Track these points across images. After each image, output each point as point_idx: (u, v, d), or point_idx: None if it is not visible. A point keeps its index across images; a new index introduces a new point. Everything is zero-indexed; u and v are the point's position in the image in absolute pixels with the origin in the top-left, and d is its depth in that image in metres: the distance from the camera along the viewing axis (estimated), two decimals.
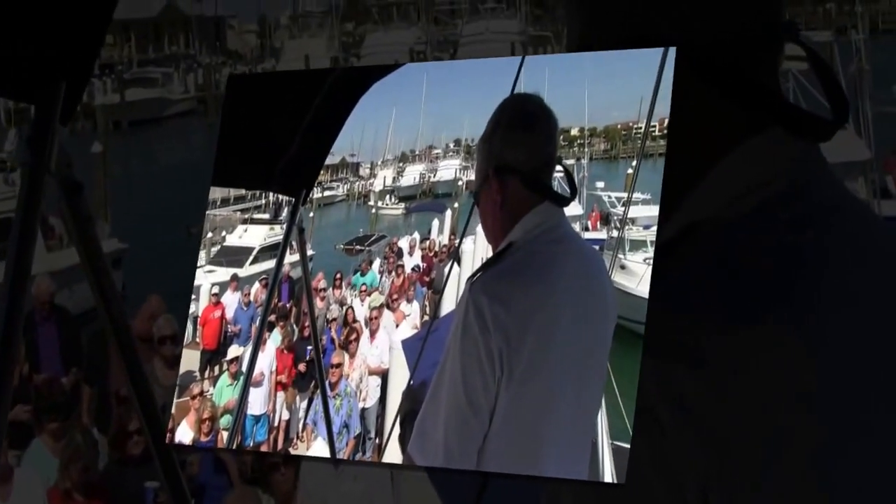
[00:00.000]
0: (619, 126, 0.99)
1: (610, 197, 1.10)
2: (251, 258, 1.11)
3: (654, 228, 1.05)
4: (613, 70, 0.94)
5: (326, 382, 1.04)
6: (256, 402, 1.04)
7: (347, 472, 5.28)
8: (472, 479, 0.87)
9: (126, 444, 5.91)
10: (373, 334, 1.04)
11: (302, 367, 1.04)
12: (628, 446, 0.79)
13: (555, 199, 0.88)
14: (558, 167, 0.91)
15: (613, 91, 0.96)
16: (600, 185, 1.08)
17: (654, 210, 1.00)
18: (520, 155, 0.89)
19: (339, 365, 1.04)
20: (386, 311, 1.06)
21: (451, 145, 1.10)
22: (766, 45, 0.89)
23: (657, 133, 0.93)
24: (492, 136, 0.92)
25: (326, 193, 1.08)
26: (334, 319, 1.06)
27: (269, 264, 1.11)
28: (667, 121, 0.90)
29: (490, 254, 1.06)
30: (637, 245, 1.07)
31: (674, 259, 0.84)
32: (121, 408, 6.25)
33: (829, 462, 0.73)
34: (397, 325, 1.05)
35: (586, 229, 1.13)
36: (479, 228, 1.20)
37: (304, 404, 1.04)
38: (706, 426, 0.78)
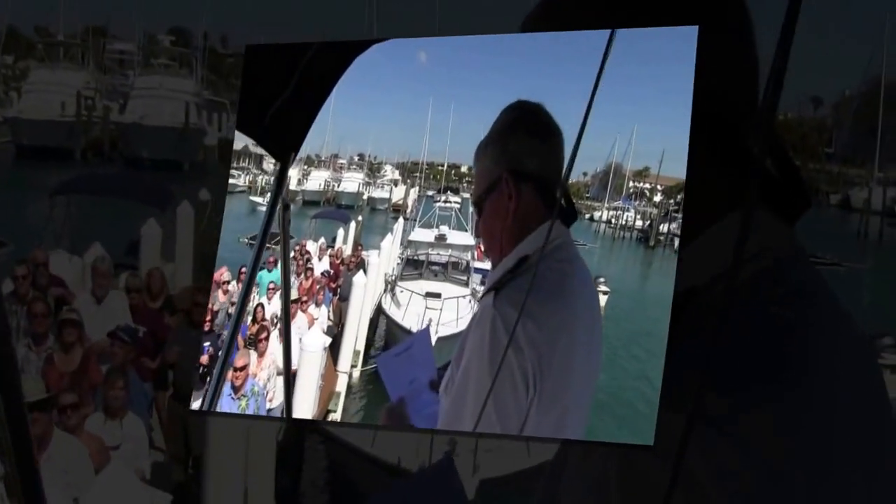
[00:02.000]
0: None
1: None
2: None
3: None
4: None
5: (229, 385, 0.88)
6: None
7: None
8: None
9: None
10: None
11: (204, 359, 0.88)
12: None
13: (564, 214, 0.84)
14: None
15: None
16: None
17: None
18: (538, 163, 0.84)
19: (245, 367, 0.89)
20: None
21: (356, 158, 1.05)
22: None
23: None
24: (505, 140, 0.86)
25: (229, 181, 0.96)
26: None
27: None
28: None
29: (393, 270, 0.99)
30: None
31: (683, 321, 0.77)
32: None
33: None
34: (309, 327, 0.94)
35: (474, 258, 1.12)
36: (383, 244, 1.13)
37: (196, 404, 0.88)
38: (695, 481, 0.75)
